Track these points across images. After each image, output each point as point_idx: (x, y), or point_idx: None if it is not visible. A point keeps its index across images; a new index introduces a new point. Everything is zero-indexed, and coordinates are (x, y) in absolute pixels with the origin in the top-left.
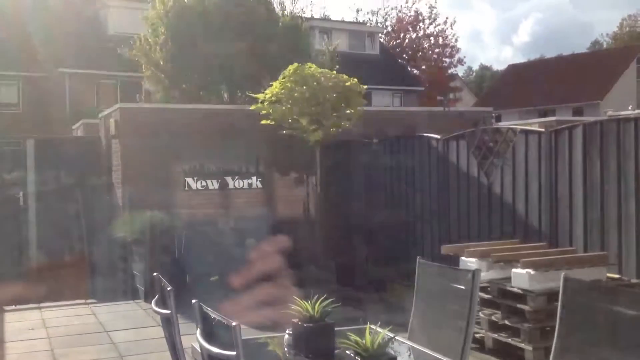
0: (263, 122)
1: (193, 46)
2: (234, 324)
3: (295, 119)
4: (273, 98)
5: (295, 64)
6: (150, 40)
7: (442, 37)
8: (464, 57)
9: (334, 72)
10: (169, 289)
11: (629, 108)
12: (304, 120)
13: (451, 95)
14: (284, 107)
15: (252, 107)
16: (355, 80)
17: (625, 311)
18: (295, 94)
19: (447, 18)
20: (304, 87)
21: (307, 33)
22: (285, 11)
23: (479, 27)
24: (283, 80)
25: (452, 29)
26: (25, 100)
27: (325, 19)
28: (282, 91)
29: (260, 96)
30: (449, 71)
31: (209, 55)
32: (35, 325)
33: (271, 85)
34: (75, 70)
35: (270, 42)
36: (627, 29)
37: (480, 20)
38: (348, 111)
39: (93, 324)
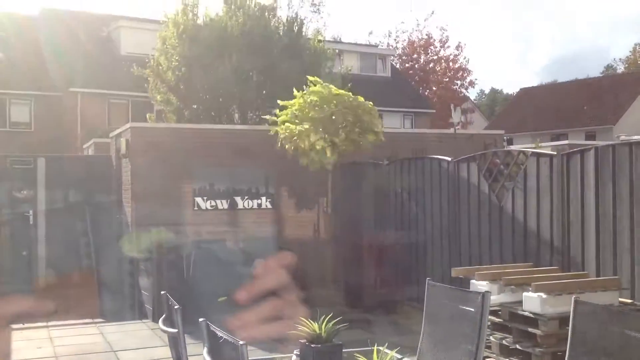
0: (283, 146)
1: (206, 68)
2: (241, 343)
3: (307, 138)
4: (287, 118)
5: (319, 84)
6: (162, 62)
7: (453, 61)
8: (476, 79)
9: (350, 93)
10: (176, 307)
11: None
12: (319, 143)
13: (462, 118)
14: (300, 127)
15: (272, 131)
16: (371, 104)
17: (637, 335)
18: (312, 114)
19: (459, 42)
20: (324, 106)
21: (326, 55)
22: (301, 31)
23: (491, 50)
24: (301, 99)
25: (462, 51)
26: (37, 120)
27: (337, 41)
28: (298, 110)
29: (271, 119)
30: (460, 94)
31: (222, 76)
32: (42, 344)
33: (284, 107)
34: (87, 90)
35: (284, 63)
36: None
37: (493, 43)
38: (370, 136)
39: (100, 344)
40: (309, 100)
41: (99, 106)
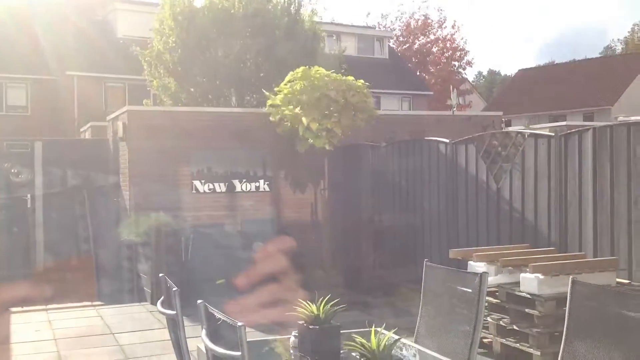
0: (278, 130)
1: (203, 50)
2: (239, 324)
3: (302, 120)
4: (280, 102)
5: (302, 67)
6: (159, 44)
7: (451, 41)
8: (473, 58)
9: (340, 75)
10: (174, 289)
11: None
12: (313, 125)
13: (460, 100)
14: (295, 110)
15: (267, 110)
16: (362, 81)
17: (634, 316)
18: (303, 97)
19: (455, 21)
20: (311, 90)
21: (320, 36)
22: (299, 12)
23: (489, 31)
24: (290, 83)
25: (459, 31)
26: (34, 103)
27: (335, 23)
28: (290, 95)
29: (270, 101)
30: (458, 75)
31: (219, 59)
32: (41, 327)
33: (279, 89)
34: (84, 73)
35: (282, 44)
36: (639, 33)
37: (491, 25)
38: (360, 115)
39: (99, 326)
40: (296, 86)
41: (95, 89)
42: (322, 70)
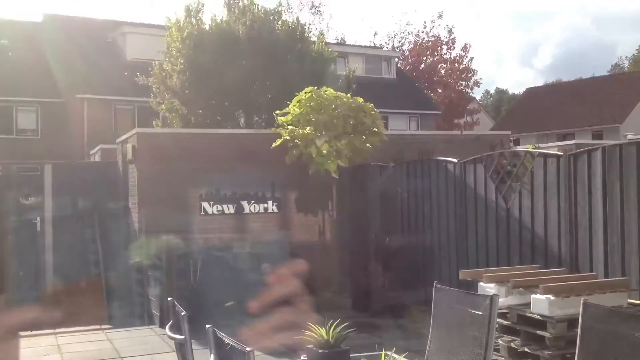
0: (287, 160)
1: (210, 71)
2: (247, 349)
3: (312, 141)
4: (291, 122)
5: (311, 88)
6: (167, 67)
7: (459, 63)
8: (481, 79)
9: (349, 95)
10: (183, 313)
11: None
12: (324, 147)
13: (468, 119)
14: (303, 131)
15: (274, 131)
16: (371, 105)
17: None
18: (313, 118)
19: (465, 44)
20: (322, 110)
21: (330, 58)
22: (304, 34)
23: (497, 50)
24: (299, 104)
25: (468, 53)
26: (44, 126)
27: (342, 43)
28: (299, 114)
29: (281, 117)
30: (466, 95)
31: (226, 80)
32: (50, 351)
33: (288, 109)
34: (93, 96)
35: (289, 66)
36: None
37: (499, 43)
38: (371, 138)
39: (108, 350)
40: (307, 105)
41: (104, 112)
42: (331, 91)
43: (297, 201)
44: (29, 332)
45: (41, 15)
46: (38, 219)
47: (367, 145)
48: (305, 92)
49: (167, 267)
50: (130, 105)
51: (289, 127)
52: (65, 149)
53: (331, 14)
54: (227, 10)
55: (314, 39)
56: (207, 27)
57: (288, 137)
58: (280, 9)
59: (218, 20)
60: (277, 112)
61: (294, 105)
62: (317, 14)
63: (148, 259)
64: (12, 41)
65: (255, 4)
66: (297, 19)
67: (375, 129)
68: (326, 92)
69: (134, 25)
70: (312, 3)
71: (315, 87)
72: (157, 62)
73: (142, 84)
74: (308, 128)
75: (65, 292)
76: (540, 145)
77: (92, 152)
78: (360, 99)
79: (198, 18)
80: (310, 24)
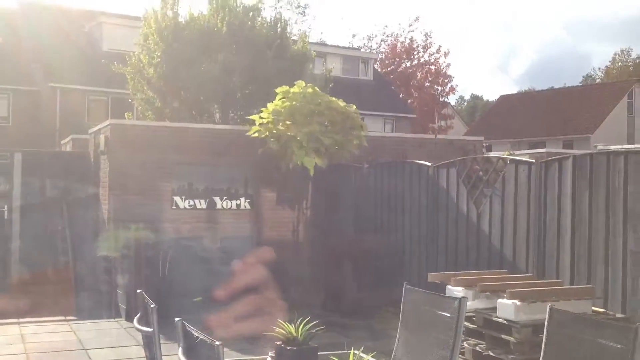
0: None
1: (187, 65)
2: (217, 343)
3: (293, 136)
4: (270, 118)
5: (301, 82)
6: (143, 59)
7: (435, 66)
8: (456, 85)
9: (333, 98)
10: (152, 306)
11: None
12: (304, 140)
13: (442, 123)
14: (281, 127)
15: (251, 133)
16: (354, 107)
17: (610, 344)
18: (297, 112)
19: (439, 46)
20: (308, 105)
21: (310, 57)
22: (286, 32)
23: (473, 56)
24: (283, 98)
25: (445, 57)
26: (15, 114)
27: (321, 43)
28: (283, 108)
29: (256, 118)
30: (441, 99)
31: (203, 74)
32: (13, 341)
33: (265, 107)
34: (67, 85)
35: (268, 63)
36: (619, 63)
37: (475, 50)
38: (355, 140)
39: (72, 342)
40: (293, 102)
41: (78, 102)
42: (316, 89)
43: (270, 199)
44: None
45: (17, 3)
46: (5, 207)
47: (355, 142)
48: (287, 89)
49: (136, 259)
50: (104, 97)
51: (267, 122)
52: (37, 138)
53: (315, 15)
54: (208, 3)
55: (294, 37)
56: (182, 21)
57: (265, 132)
58: (260, 5)
59: (195, 15)
60: (248, 116)
61: (279, 99)
62: (302, 14)
63: (117, 251)
64: None
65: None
66: (280, 14)
67: (360, 133)
68: (310, 88)
69: (111, 16)
70: (298, 3)
71: (302, 82)
72: (135, 53)
73: (118, 73)
74: (288, 122)
75: (32, 281)
76: (515, 152)
77: (63, 141)
78: (342, 101)
79: (175, 10)
80: (293, 23)
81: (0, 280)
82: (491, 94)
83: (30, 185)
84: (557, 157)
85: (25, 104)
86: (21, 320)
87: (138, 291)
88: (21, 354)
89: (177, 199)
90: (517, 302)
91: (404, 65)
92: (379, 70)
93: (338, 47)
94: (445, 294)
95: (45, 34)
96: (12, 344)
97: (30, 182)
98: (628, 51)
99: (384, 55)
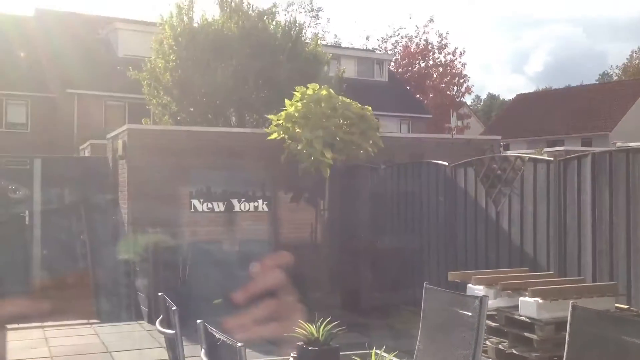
0: (284, 155)
1: (203, 69)
2: (239, 344)
3: (309, 139)
4: (282, 122)
5: (315, 85)
6: (159, 63)
7: (451, 67)
8: (472, 85)
9: (348, 99)
10: (173, 308)
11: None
12: (318, 143)
13: (459, 123)
14: (297, 129)
15: (270, 136)
16: (370, 108)
17: (634, 341)
18: (311, 116)
19: (456, 48)
20: (323, 105)
21: (324, 59)
22: (300, 36)
23: (488, 55)
24: (299, 101)
25: (460, 58)
26: (34, 121)
27: (335, 45)
28: (298, 111)
29: (274, 118)
30: (457, 99)
31: (218, 78)
32: (37, 344)
33: (283, 109)
34: (84, 91)
35: (282, 66)
36: (637, 60)
37: (491, 49)
38: (370, 141)
39: (96, 344)
40: (309, 104)
41: (95, 108)
42: (331, 91)
43: (287, 201)
44: (16, 325)
45: (33, 10)
46: (27, 212)
47: (371, 142)
48: (304, 90)
49: (155, 263)
50: (121, 102)
51: (284, 124)
52: (55, 144)
53: (329, 18)
54: (220, 9)
55: (308, 40)
56: (196, 26)
57: (284, 135)
58: (274, 9)
59: (210, 19)
60: (271, 116)
61: (296, 101)
62: (315, 17)
63: (136, 254)
64: (3, 35)
65: (248, 4)
66: (295, 19)
67: (374, 136)
68: (324, 92)
69: (126, 22)
70: (311, 6)
71: (320, 86)
72: (150, 58)
73: (134, 79)
74: (303, 125)
75: (53, 285)
76: (532, 150)
77: (82, 147)
78: (357, 103)
79: (190, 16)
80: (307, 26)
81: (23, 284)
82: (508, 93)
83: (50, 191)
84: (575, 154)
85: (43, 111)
86: (44, 323)
87: (159, 294)
88: (46, 358)
89: (195, 202)
90: (539, 300)
91: (418, 65)
92: (394, 70)
93: (352, 49)
94: (466, 292)
95: (62, 41)
96: (36, 347)
97: (50, 187)
98: None
99: (399, 56)
